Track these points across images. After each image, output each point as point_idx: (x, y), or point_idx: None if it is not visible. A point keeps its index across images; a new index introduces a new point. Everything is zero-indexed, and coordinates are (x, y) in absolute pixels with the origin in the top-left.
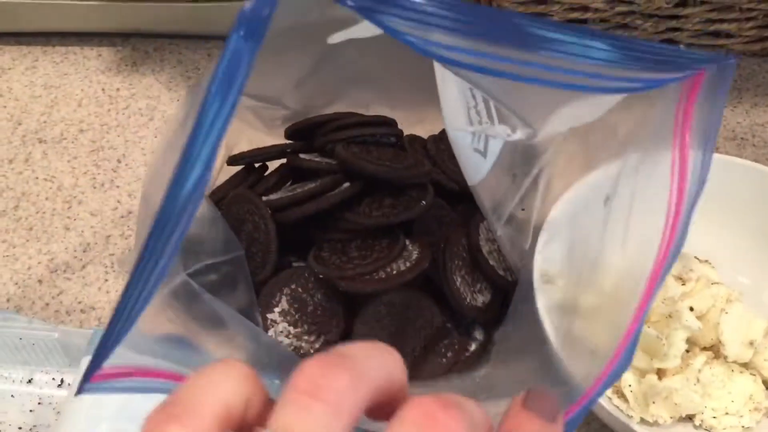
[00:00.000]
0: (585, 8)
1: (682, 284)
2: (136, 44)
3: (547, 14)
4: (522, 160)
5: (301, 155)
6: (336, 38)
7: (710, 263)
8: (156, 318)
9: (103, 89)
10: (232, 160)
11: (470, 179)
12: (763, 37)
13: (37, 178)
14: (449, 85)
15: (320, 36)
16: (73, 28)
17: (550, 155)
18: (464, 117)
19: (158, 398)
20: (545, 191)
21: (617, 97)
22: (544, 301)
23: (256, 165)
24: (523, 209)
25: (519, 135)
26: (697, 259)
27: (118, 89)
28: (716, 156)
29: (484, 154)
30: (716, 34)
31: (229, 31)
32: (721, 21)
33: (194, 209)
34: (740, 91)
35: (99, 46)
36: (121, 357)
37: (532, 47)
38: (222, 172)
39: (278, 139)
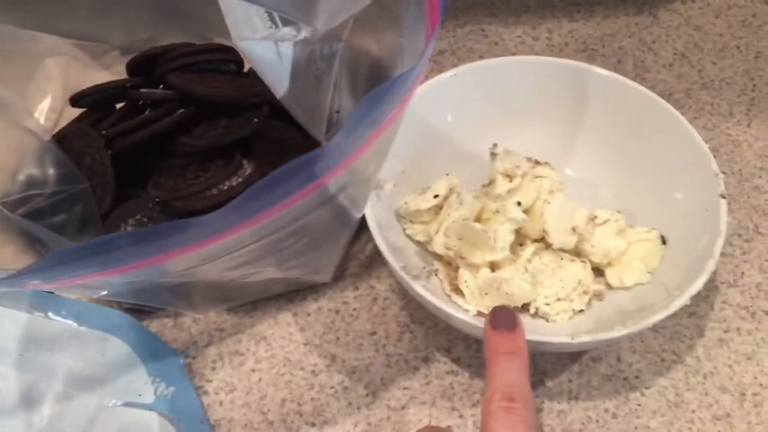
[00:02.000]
0: None
1: (510, 181)
2: None
3: None
4: (320, 57)
5: (141, 89)
6: None
7: (550, 165)
8: None
9: None
10: (74, 101)
11: (277, 91)
12: None
13: None
14: None
15: None
16: None
17: (344, 50)
18: (250, 25)
19: None
20: (352, 90)
21: None
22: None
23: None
24: (338, 112)
25: (304, 34)
26: (537, 161)
27: None
28: (560, 61)
29: (280, 59)
30: None
31: None
32: None
33: None
34: (592, 5)
35: None
36: None
37: None
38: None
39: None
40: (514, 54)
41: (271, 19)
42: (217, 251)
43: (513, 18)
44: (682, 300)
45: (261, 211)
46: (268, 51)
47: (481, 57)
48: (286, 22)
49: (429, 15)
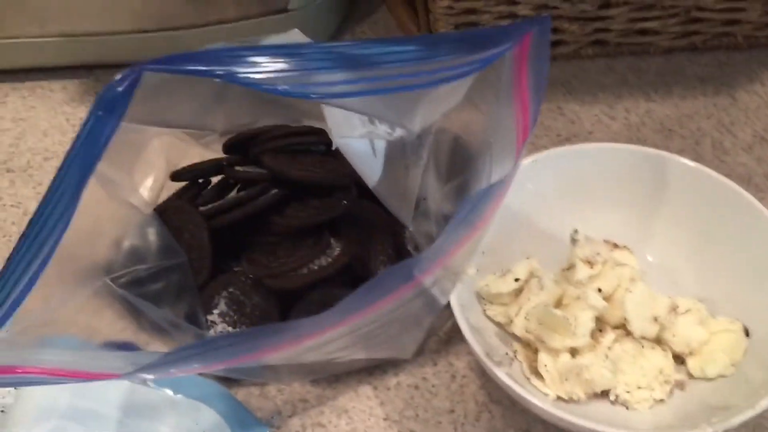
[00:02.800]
0: (513, 15)
1: (590, 267)
2: (99, 75)
3: (477, 23)
4: (411, 150)
5: (237, 167)
6: None
7: (629, 249)
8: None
9: (67, 119)
10: (174, 176)
11: (369, 182)
12: (688, 32)
13: (4, 204)
14: None
15: None
16: (39, 64)
17: (432, 141)
18: (349, 124)
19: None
20: (437, 176)
21: (468, 80)
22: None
23: (200, 181)
24: (424, 198)
25: (399, 133)
26: (616, 245)
27: (81, 118)
28: (640, 149)
29: (374, 153)
30: (643, 32)
31: None
32: (645, 19)
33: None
34: (669, 86)
35: (63, 79)
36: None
37: (368, 66)
38: (167, 189)
39: (219, 155)
40: (590, 132)
41: (371, 119)
42: (314, 346)
43: (590, 97)
44: None
45: (361, 309)
46: (364, 146)
47: (558, 135)
48: (382, 122)
49: (520, 125)
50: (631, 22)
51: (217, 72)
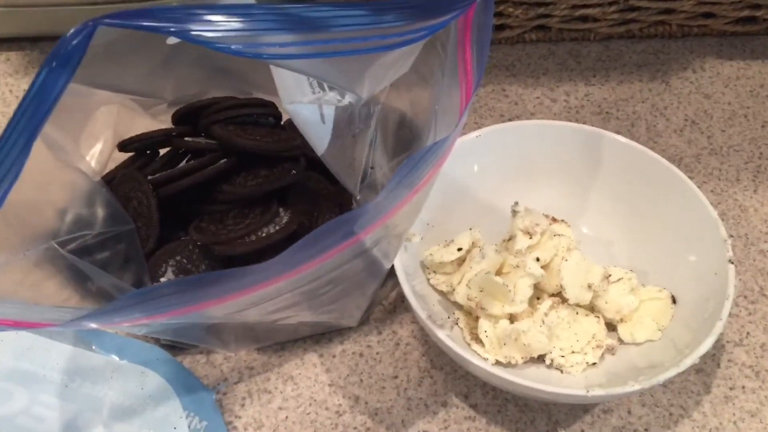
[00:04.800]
0: None
1: (530, 238)
2: (44, 47)
3: None
4: (359, 118)
5: (186, 138)
6: (172, 40)
7: (566, 222)
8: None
9: (10, 90)
10: (121, 146)
11: (317, 149)
12: (626, 20)
13: None
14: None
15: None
16: None
17: (380, 114)
18: (300, 89)
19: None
20: (384, 151)
21: (416, 48)
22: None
23: (148, 152)
24: (372, 168)
25: (348, 99)
26: (554, 219)
27: (24, 90)
28: (580, 126)
29: (323, 120)
30: (583, 19)
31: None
32: (585, 6)
33: None
34: (608, 71)
35: (8, 51)
36: None
37: (320, 28)
38: (114, 160)
39: (167, 126)
40: (532, 114)
41: (320, 85)
42: (257, 299)
43: (532, 80)
44: (692, 359)
45: (303, 263)
46: (313, 113)
47: (501, 116)
48: (332, 88)
49: (463, 90)
50: (572, 9)
51: (171, 29)
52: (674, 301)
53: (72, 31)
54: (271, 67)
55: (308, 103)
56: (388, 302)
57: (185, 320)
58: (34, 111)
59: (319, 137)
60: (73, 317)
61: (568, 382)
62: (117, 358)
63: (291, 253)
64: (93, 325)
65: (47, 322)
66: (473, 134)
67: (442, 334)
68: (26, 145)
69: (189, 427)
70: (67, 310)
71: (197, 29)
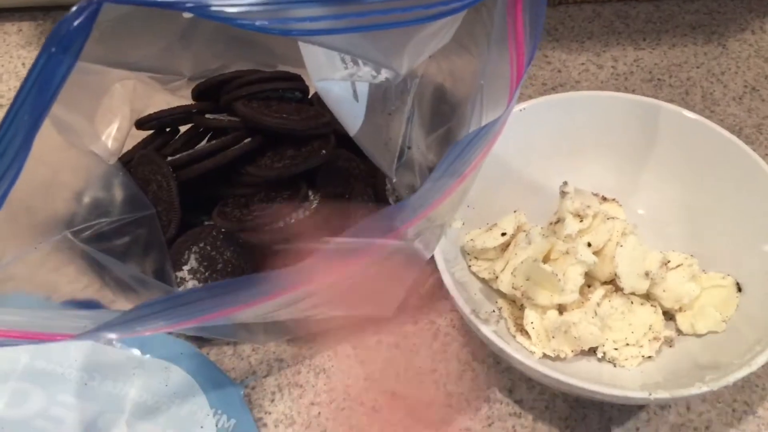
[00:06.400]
0: None
1: (580, 221)
2: (57, 16)
3: None
4: (395, 95)
5: (207, 115)
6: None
7: (617, 201)
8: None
9: (23, 63)
10: (139, 124)
11: (350, 129)
12: None
13: None
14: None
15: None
16: None
17: (417, 86)
18: (332, 65)
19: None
20: (421, 126)
21: (459, 16)
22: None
23: (168, 130)
24: (409, 147)
25: (385, 75)
26: (605, 198)
27: None
28: (632, 97)
29: (355, 98)
30: None
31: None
32: None
33: None
34: (659, 33)
35: (20, 21)
36: None
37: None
38: (132, 137)
39: (187, 102)
40: (577, 82)
41: (353, 59)
42: (290, 301)
43: (576, 44)
44: (765, 357)
45: (341, 262)
46: (345, 90)
47: (544, 84)
48: (366, 63)
49: (514, 66)
50: None
51: (187, 5)
52: (739, 289)
53: (74, 9)
54: (300, 44)
55: (340, 80)
56: (425, 289)
57: (211, 324)
58: (33, 103)
59: (352, 116)
60: (89, 326)
61: (623, 378)
62: (139, 353)
63: (328, 253)
64: (112, 336)
65: (59, 333)
66: (517, 108)
67: (485, 329)
68: (26, 138)
69: (216, 426)
70: (82, 316)
71: (217, 3)
